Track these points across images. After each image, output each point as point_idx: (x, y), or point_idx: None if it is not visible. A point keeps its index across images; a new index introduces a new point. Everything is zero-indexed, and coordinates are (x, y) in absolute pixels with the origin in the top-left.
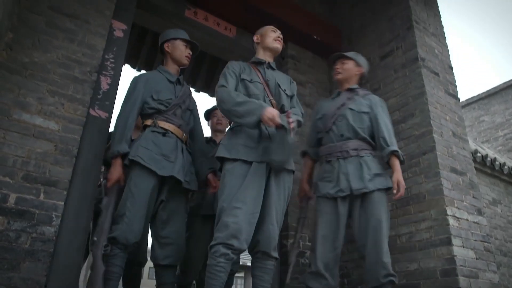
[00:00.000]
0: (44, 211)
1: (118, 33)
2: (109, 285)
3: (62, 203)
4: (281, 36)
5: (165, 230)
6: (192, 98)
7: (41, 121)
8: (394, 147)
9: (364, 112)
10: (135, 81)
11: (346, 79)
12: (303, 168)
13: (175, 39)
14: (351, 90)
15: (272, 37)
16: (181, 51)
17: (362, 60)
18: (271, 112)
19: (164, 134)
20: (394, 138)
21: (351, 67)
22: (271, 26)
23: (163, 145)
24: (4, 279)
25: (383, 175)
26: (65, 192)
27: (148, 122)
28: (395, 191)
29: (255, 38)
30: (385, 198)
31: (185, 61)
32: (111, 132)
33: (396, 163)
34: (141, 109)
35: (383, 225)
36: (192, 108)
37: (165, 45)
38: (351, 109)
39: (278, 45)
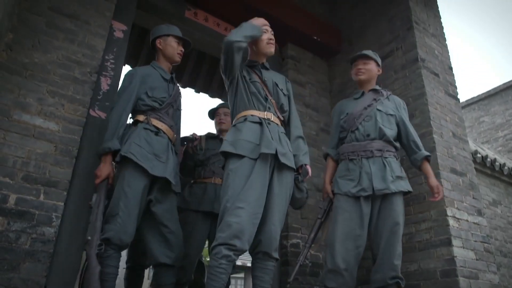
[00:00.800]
0: (44, 211)
1: (118, 34)
2: (105, 286)
3: (62, 203)
4: (273, 36)
5: (165, 229)
6: (180, 97)
7: (41, 121)
8: (427, 152)
9: (391, 114)
10: (130, 76)
11: (368, 80)
12: (326, 170)
13: (167, 35)
14: (375, 91)
15: (265, 40)
16: (173, 48)
17: (379, 60)
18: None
19: (156, 133)
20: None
21: (373, 67)
22: (263, 22)
23: (155, 145)
24: (4, 279)
25: (404, 178)
26: (65, 193)
27: (141, 118)
28: (436, 195)
29: None
30: (403, 202)
31: (177, 58)
32: None
33: (429, 168)
34: (135, 105)
35: (399, 228)
36: (180, 108)
37: (157, 41)
38: (379, 110)
39: (272, 49)
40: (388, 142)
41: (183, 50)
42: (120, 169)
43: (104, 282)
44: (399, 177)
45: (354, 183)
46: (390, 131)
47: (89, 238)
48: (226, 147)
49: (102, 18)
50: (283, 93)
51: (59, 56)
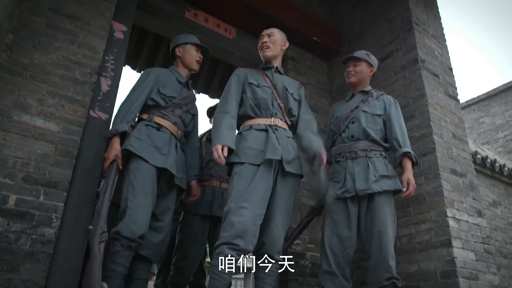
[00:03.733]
0: (44, 212)
1: (118, 35)
2: (108, 282)
3: (62, 204)
4: (265, 40)
5: (156, 223)
6: (195, 105)
7: (41, 122)
8: (407, 148)
9: (377, 115)
10: (147, 73)
11: (359, 82)
12: None
13: (186, 43)
14: (365, 92)
15: (259, 47)
16: (191, 55)
17: (373, 59)
18: (216, 151)
19: (158, 129)
20: (407, 138)
21: (364, 68)
22: (262, 33)
23: (156, 138)
24: (4, 280)
25: (391, 177)
26: (65, 194)
27: (144, 116)
28: (404, 189)
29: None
30: (391, 200)
31: (196, 66)
32: None
33: (407, 164)
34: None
35: (388, 227)
36: (194, 113)
37: (177, 50)
38: (365, 111)
39: (264, 53)
40: (373, 141)
41: (201, 57)
42: (126, 166)
43: (108, 278)
44: (384, 176)
45: (339, 185)
46: (375, 132)
47: (91, 227)
48: (231, 158)
49: (102, 19)
50: (294, 98)
51: (59, 57)
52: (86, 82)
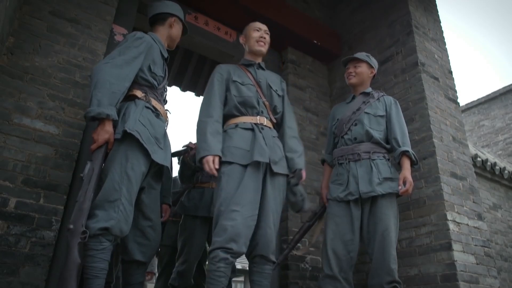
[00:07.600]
0: (44, 215)
1: (119, 38)
2: (96, 283)
3: (62, 207)
4: (265, 35)
5: (146, 222)
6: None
7: (41, 125)
8: (405, 147)
9: (380, 116)
10: (139, 39)
11: (359, 83)
12: (323, 175)
13: (176, 16)
14: (365, 93)
15: (254, 38)
16: (178, 32)
17: (373, 61)
18: (207, 164)
19: (157, 115)
20: (407, 138)
21: (365, 70)
22: (256, 24)
23: (156, 127)
24: (4, 283)
25: (395, 179)
26: (65, 197)
27: (138, 93)
28: (400, 188)
29: (241, 39)
30: (394, 203)
31: (175, 45)
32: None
33: (405, 162)
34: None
35: (390, 230)
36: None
37: (172, 19)
38: (367, 113)
39: (260, 48)
40: (377, 143)
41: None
42: (121, 149)
43: (96, 278)
44: (387, 179)
45: (342, 187)
46: (379, 133)
47: (71, 226)
48: None
49: (103, 22)
50: (278, 94)
51: (60, 60)
52: (87, 85)
